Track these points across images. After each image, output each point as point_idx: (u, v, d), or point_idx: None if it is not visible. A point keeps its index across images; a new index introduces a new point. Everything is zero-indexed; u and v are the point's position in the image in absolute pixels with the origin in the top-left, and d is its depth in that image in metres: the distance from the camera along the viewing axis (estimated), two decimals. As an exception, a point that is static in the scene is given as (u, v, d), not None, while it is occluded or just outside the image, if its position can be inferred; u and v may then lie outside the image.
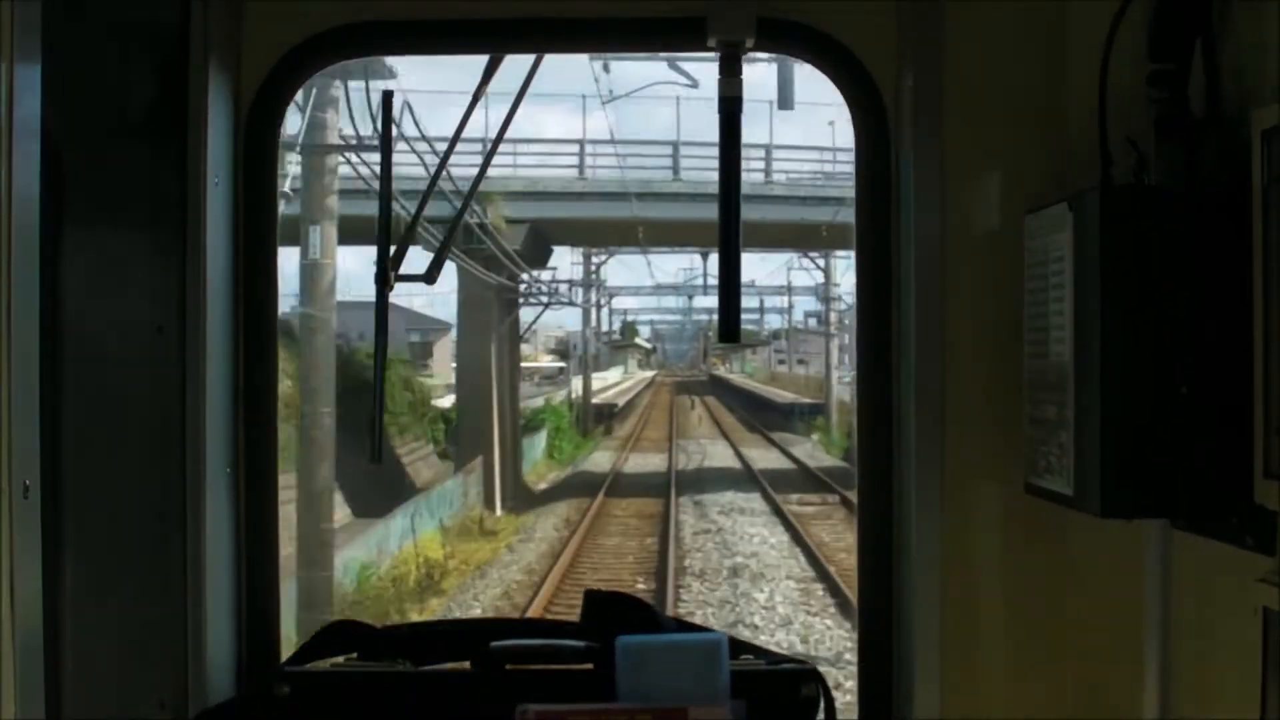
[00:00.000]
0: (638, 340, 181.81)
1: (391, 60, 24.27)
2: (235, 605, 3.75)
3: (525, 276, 52.46)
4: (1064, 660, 3.56)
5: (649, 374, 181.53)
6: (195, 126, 3.58)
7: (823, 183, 52.89)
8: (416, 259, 3.92)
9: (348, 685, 3.66)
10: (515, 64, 3.97)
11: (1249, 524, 2.71)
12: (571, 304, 75.46)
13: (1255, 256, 2.69)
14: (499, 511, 41.99)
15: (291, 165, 26.24)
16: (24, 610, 2.49)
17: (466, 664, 3.70)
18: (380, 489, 36.13)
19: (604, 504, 40.21)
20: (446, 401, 56.41)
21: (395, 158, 4.24)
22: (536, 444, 59.93)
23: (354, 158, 27.02)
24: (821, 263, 75.11)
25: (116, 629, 3.63)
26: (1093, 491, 2.89)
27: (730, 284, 3.66)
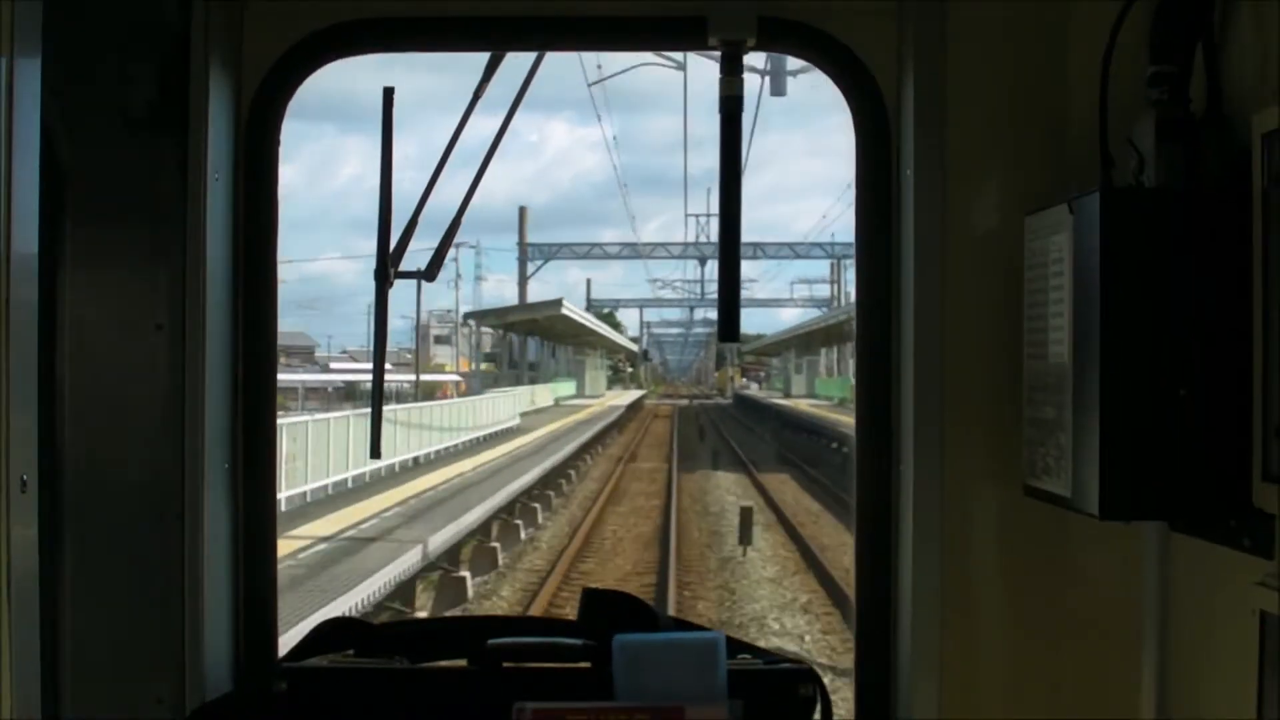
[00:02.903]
0: (596, 327, 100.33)
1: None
2: (233, 601, 3.75)
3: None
4: (1061, 661, 3.56)
5: (629, 396, 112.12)
6: (196, 124, 3.58)
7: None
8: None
9: (344, 682, 3.66)
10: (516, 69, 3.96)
11: (1247, 527, 2.71)
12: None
13: (1255, 258, 2.69)
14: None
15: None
16: (21, 605, 2.49)
17: (463, 661, 3.70)
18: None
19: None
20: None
21: None
22: None
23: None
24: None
25: (114, 625, 3.63)
26: (1091, 493, 2.89)
27: (730, 283, 3.67)
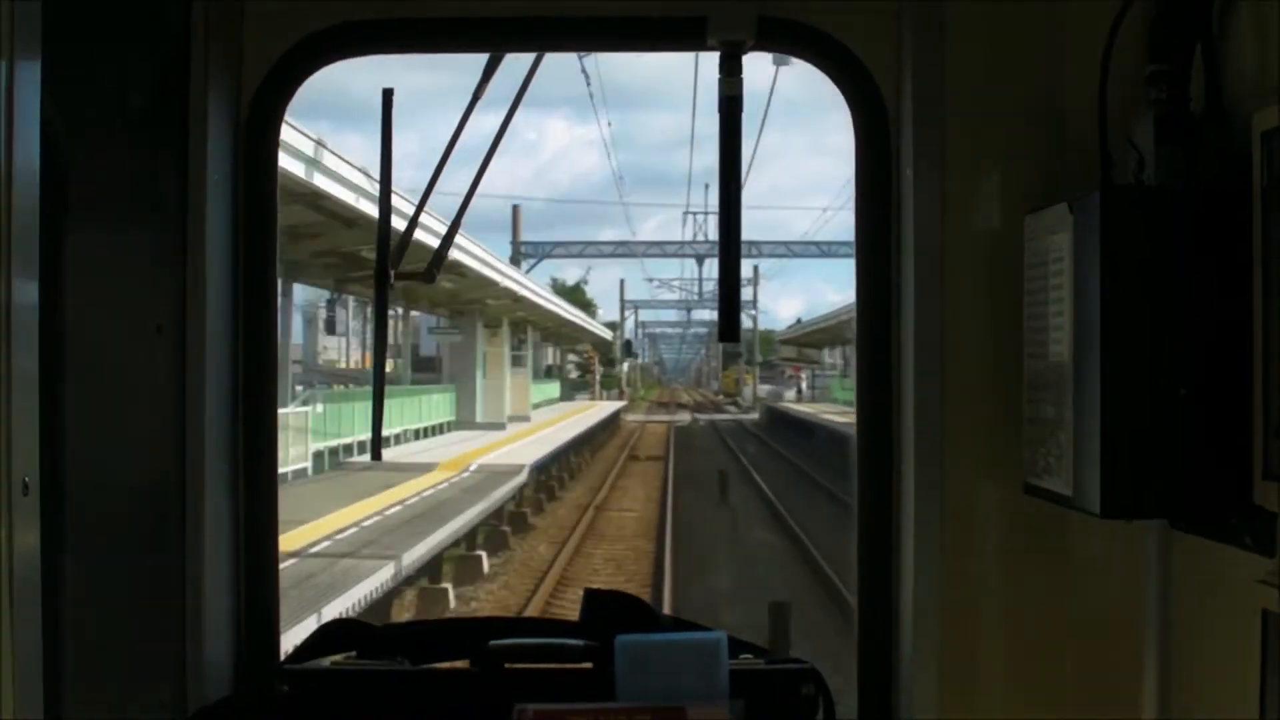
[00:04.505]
0: (561, 306, 61.42)
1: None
2: (235, 603, 3.75)
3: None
4: (1063, 660, 3.56)
5: (594, 413, 77.53)
6: (196, 125, 3.58)
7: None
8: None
9: (346, 684, 3.66)
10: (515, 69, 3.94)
11: (1248, 525, 2.71)
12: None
13: (1255, 257, 2.69)
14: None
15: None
16: (23, 607, 2.49)
17: (465, 663, 3.70)
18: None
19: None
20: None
21: None
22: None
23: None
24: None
25: (116, 626, 3.63)
26: (1091, 492, 2.89)
27: (730, 283, 3.68)
